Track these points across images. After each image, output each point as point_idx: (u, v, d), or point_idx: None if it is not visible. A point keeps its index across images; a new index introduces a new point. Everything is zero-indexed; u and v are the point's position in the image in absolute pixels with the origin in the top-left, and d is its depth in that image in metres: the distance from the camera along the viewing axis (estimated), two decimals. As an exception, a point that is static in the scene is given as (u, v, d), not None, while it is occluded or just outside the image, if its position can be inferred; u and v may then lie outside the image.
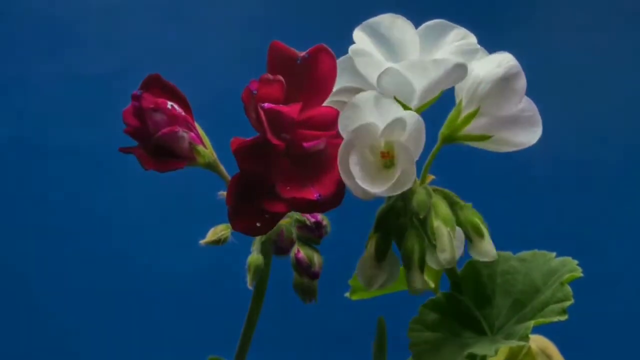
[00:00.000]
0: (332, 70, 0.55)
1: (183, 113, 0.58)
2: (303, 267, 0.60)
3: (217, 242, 0.60)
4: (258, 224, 0.54)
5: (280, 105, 0.54)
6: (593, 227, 1.31)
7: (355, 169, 0.52)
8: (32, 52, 1.38)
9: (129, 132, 0.58)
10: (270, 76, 0.55)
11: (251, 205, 0.54)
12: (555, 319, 0.57)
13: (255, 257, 0.61)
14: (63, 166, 1.36)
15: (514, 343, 0.56)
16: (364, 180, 0.52)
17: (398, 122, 0.52)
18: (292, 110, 0.54)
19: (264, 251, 0.61)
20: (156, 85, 0.59)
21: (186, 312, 1.33)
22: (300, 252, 0.60)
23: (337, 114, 0.54)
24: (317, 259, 0.61)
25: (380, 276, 0.58)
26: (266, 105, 0.53)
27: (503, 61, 0.56)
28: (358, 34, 0.56)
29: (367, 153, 0.53)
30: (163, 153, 0.57)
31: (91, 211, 1.35)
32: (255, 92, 0.54)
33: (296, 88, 0.55)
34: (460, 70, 0.53)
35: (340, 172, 0.52)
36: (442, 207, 0.55)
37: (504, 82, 0.55)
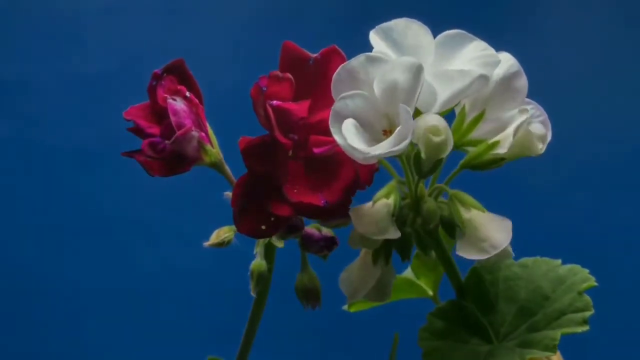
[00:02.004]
0: None
1: (201, 107, 0.58)
2: (312, 239, 0.59)
3: (220, 244, 0.60)
4: (263, 227, 0.54)
5: (289, 102, 0.54)
6: (590, 230, 1.31)
7: (349, 136, 0.51)
8: (33, 52, 1.38)
9: (133, 130, 0.58)
10: (279, 73, 0.54)
11: (257, 207, 0.54)
12: (579, 329, 0.57)
13: (258, 263, 0.60)
14: (63, 166, 1.35)
15: (540, 353, 0.56)
16: (362, 144, 0.51)
17: (391, 87, 0.52)
18: (300, 108, 0.54)
19: (267, 256, 0.61)
20: (177, 72, 0.58)
21: (187, 312, 1.32)
22: (306, 229, 0.59)
23: None
24: (325, 229, 0.59)
25: (369, 282, 0.57)
26: (275, 102, 0.53)
27: (502, 61, 0.55)
28: (373, 37, 0.55)
29: (366, 130, 0.52)
30: (172, 155, 0.57)
31: (92, 211, 1.35)
32: (264, 88, 0.54)
33: (307, 89, 0.55)
34: (482, 81, 0.53)
35: (334, 134, 0.51)
36: (466, 196, 0.55)
37: (505, 81, 0.55)
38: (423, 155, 0.53)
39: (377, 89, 0.52)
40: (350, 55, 0.56)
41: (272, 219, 0.53)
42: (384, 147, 0.50)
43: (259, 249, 0.61)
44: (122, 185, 1.31)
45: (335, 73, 0.53)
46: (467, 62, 0.54)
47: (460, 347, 0.58)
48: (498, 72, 0.55)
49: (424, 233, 0.56)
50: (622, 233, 1.31)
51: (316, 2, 1.40)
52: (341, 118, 0.52)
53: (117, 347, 1.32)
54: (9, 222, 1.35)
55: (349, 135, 0.51)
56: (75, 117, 1.36)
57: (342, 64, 0.53)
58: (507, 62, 0.55)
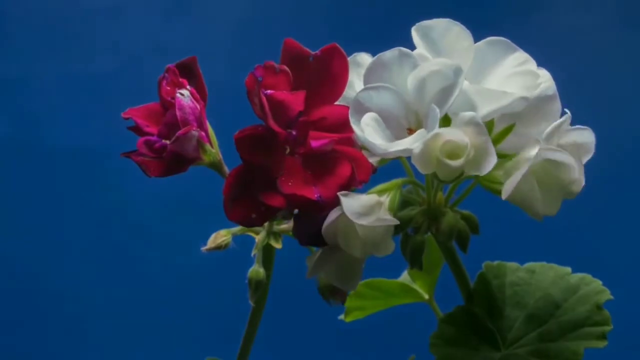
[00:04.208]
0: (343, 70, 0.55)
1: (202, 102, 0.58)
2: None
3: (218, 248, 0.59)
4: (253, 215, 0.53)
5: (284, 92, 0.53)
6: (585, 232, 1.30)
7: (368, 130, 0.50)
8: (32, 52, 1.38)
9: (134, 129, 0.58)
10: (275, 65, 0.54)
11: (248, 197, 0.53)
12: (600, 344, 0.56)
13: (255, 270, 0.60)
14: (62, 166, 1.35)
15: None
16: (380, 140, 0.50)
17: (426, 85, 0.51)
18: (296, 99, 0.53)
19: (265, 258, 0.60)
20: (187, 69, 0.58)
21: (186, 312, 1.32)
22: None
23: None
24: None
25: (331, 260, 0.55)
26: (269, 92, 0.53)
27: (540, 80, 0.54)
28: (413, 33, 0.54)
29: (389, 125, 0.51)
30: (172, 155, 0.56)
31: (91, 211, 1.35)
32: (260, 78, 0.53)
33: (307, 86, 0.55)
34: (522, 102, 0.52)
35: (352, 124, 0.50)
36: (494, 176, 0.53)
37: (539, 102, 0.54)
38: (439, 175, 0.51)
39: (410, 84, 0.51)
40: (351, 54, 0.56)
41: (263, 208, 0.53)
42: (402, 145, 0.50)
43: (256, 251, 0.60)
44: (122, 185, 1.31)
45: (370, 62, 0.52)
46: (507, 77, 0.53)
47: (472, 354, 0.58)
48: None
49: (441, 246, 0.56)
50: (622, 236, 1.30)
51: (317, 2, 1.40)
52: (362, 109, 0.51)
53: (117, 348, 1.32)
54: (7, 223, 1.35)
55: (367, 130, 0.50)
56: (76, 116, 1.36)
57: (378, 55, 0.52)
58: (545, 82, 0.54)
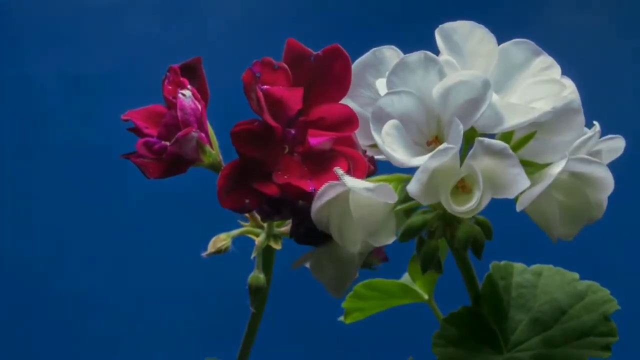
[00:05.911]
0: (346, 71, 0.55)
1: (203, 103, 0.58)
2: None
3: (218, 252, 0.59)
4: (247, 201, 0.53)
5: (281, 88, 0.53)
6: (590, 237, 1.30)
7: (388, 140, 0.50)
8: (32, 52, 1.38)
9: (134, 130, 0.58)
10: (273, 61, 0.54)
11: (243, 187, 0.53)
12: (604, 355, 0.56)
13: (255, 276, 0.60)
14: (62, 166, 1.35)
15: None
16: (401, 150, 0.50)
17: (452, 95, 0.50)
18: (293, 96, 0.53)
19: (265, 260, 0.60)
20: (191, 70, 0.58)
21: (185, 314, 1.32)
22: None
23: (351, 112, 0.54)
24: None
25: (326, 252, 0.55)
26: (265, 87, 0.53)
27: (566, 92, 0.53)
28: (436, 36, 0.53)
29: (409, 131, 0.50)
30: (172, 156, 0.56)
31: (91, 211, 1.34)
32: (258, 74, 0.53)
33: (309, 86, 0.55)
34: (548, 115, 0.51)
35: (373, 131, 0.50)
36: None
37: (562, 113, 0.53)
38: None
39: (436, 92, 0.51)
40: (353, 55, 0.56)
41: (257, 194, 0.53)
42: (420, 161, 0.49)
43: (256, 254, 0.60)
44: (122, 185, 1.31)
45: (393, 65, 0.51)
46: (533, 84, 0.53)
47: (474, 355, 0.57)
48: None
49: (456, 255, 0.56)
50: (626, 241, 1.30)
51: (318, 3, 1.40)
52: (384, 115, 0.50)
53: (117, 348, 1.32)
54: (6, 223, 1.35)
55: (387, 140, 0.50)
56: (76, 116, 1.36)
57: (401, 57, 0.52)
58: (570, 93, 0.53)
